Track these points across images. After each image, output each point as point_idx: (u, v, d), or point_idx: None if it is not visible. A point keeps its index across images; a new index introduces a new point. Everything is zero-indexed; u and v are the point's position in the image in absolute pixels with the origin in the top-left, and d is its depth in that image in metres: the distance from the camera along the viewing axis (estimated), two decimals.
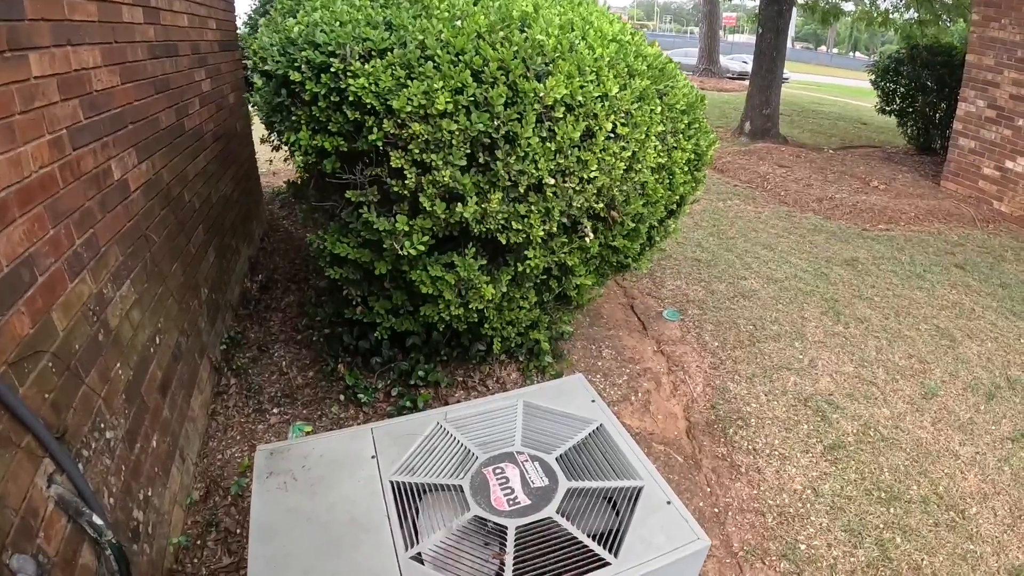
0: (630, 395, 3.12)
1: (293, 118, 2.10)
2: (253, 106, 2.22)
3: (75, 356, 1.58)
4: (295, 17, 2.06)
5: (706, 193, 6.54)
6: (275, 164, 4.91)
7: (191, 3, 3.05)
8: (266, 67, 2.04)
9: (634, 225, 2.63)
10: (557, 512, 1.53)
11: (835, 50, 51.23)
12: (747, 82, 10.16)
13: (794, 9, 9.63)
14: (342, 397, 2.91)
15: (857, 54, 48.15)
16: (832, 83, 24.89)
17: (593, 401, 1.95)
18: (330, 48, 1.95)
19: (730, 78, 19.87)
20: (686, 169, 2.79)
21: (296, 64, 1.99)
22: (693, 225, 5.60)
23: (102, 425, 1.67)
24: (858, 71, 29.81)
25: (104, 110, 1.92)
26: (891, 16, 10.02)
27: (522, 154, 2.08)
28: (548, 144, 2.10)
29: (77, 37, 1.77)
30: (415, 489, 1.61)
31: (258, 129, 4.73)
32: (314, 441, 1.81)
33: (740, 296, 4.22)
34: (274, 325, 3.56)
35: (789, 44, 11.90)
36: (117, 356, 1.83)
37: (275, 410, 2.85)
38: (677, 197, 2.84)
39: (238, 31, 4.50)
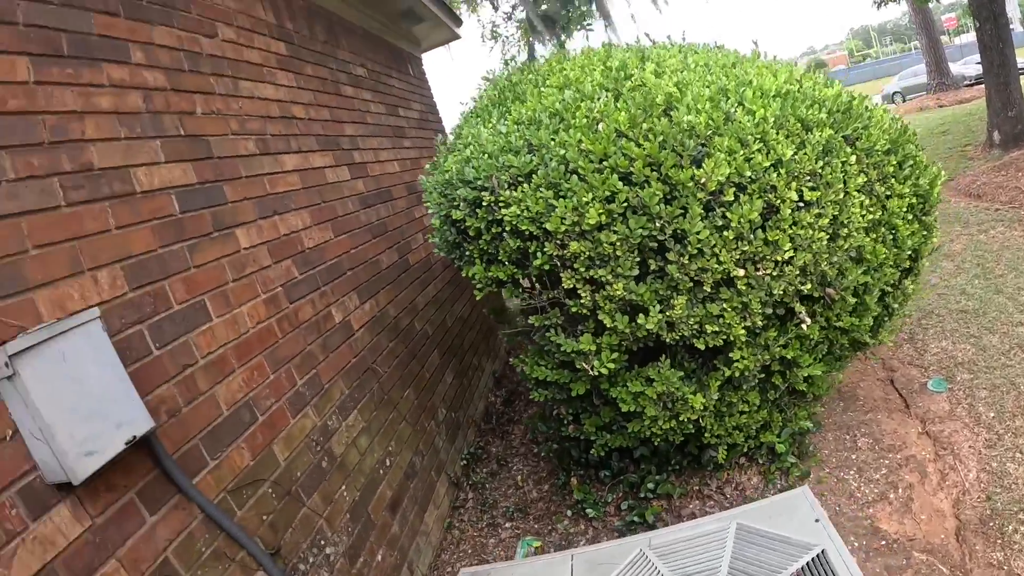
0: (888, 492, 2.43)
1: (467, 254, 2.22)
2: (436, 249, 2.42)
3: (296, 482, 1.81)
4: (453, 154, 2.25)
5: (964, 226, 5.31)
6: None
7: (400, 149, 3.45)
8: (429, 207, 2.25)
9: (857, 299, 2.13)
10: None
11: None
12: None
13: None
14: (570, 512, 2.80)
15: None
16: None
17: (817, 520, 1.52)
18: (479, 182, 2.04)
19: (967, 85, 15.68)
20: (910, 218, 2.24)
21: (455, 203, 2.13)
22: (954, 269, 4.43)
23: (322, 542, 1.86)
24: None
25: (318, 264, 2.25)
26: None
27: (695, 251, 1.86)
28: (725, 233, 1.85)
29: (282, 207, 2.13)
30: None
31: None
32: (514, 567, 1.82)
33: (1018, 348, 3.13)
34: (515, 438, 3.67)
35: (1018, 27, 8.90)
36: (341, 480, 2.04)
37: (507, 524, 2.87)
38: (908, 252, 2.25)
39: None
